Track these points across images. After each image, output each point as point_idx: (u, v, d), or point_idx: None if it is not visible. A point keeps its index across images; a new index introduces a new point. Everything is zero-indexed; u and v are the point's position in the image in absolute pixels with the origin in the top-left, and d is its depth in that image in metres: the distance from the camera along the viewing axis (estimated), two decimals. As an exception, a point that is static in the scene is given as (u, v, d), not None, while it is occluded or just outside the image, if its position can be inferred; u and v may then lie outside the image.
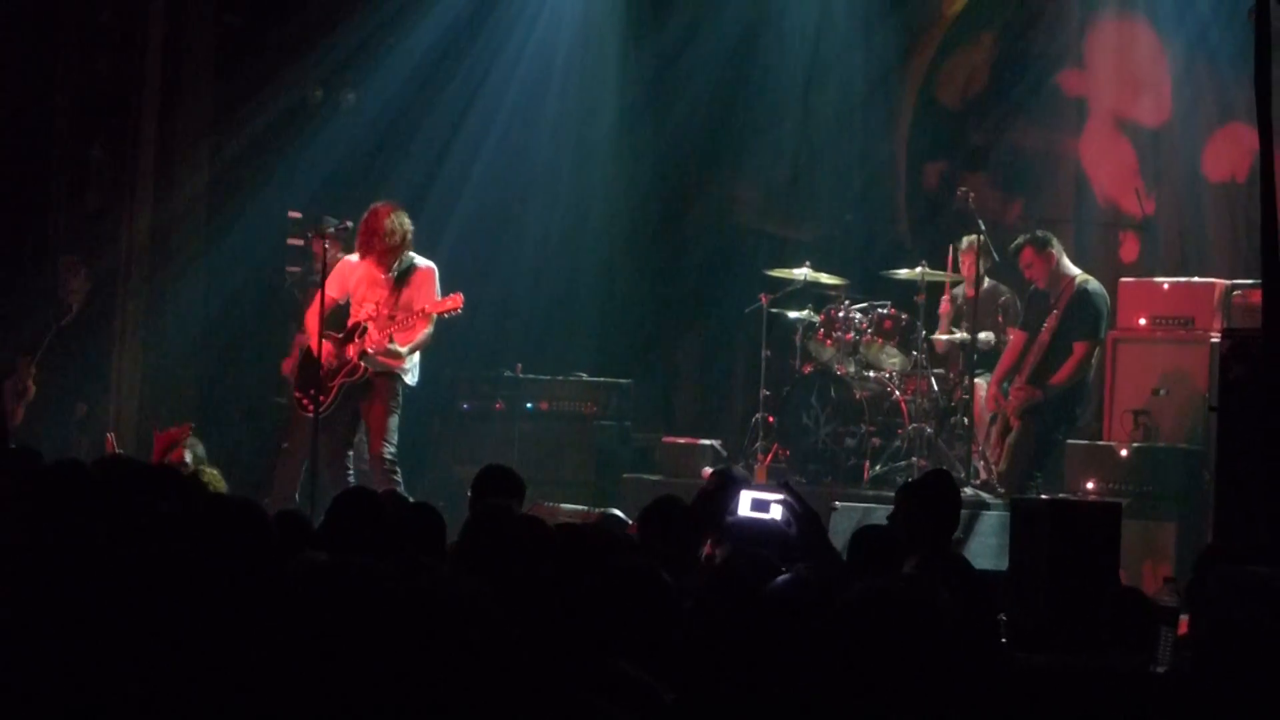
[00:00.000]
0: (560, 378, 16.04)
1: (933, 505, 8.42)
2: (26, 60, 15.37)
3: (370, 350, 12.87)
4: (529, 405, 15.88)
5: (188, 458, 13.02)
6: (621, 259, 17.26)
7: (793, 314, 14.98)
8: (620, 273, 17.26)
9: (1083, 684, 5.80)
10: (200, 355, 15.77)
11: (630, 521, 8.81)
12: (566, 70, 17.05)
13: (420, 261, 13.06)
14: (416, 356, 13.02)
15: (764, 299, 14.98)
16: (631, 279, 17.28)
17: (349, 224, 13.06)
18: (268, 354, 15.44)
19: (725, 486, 8.73)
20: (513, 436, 15.62)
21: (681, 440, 15.48)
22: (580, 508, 13.20)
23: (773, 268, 15.25)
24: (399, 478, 12.82)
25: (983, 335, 14.29)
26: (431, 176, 16.11)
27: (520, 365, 16.04)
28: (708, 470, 14.91)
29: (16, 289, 15.17)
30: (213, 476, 10.03)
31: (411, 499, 10.51)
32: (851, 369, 14.57)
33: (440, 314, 12.87)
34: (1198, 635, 6.41)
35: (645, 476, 15.06)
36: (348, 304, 13.11)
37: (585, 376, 16.08)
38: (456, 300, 12.83)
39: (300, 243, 15.25)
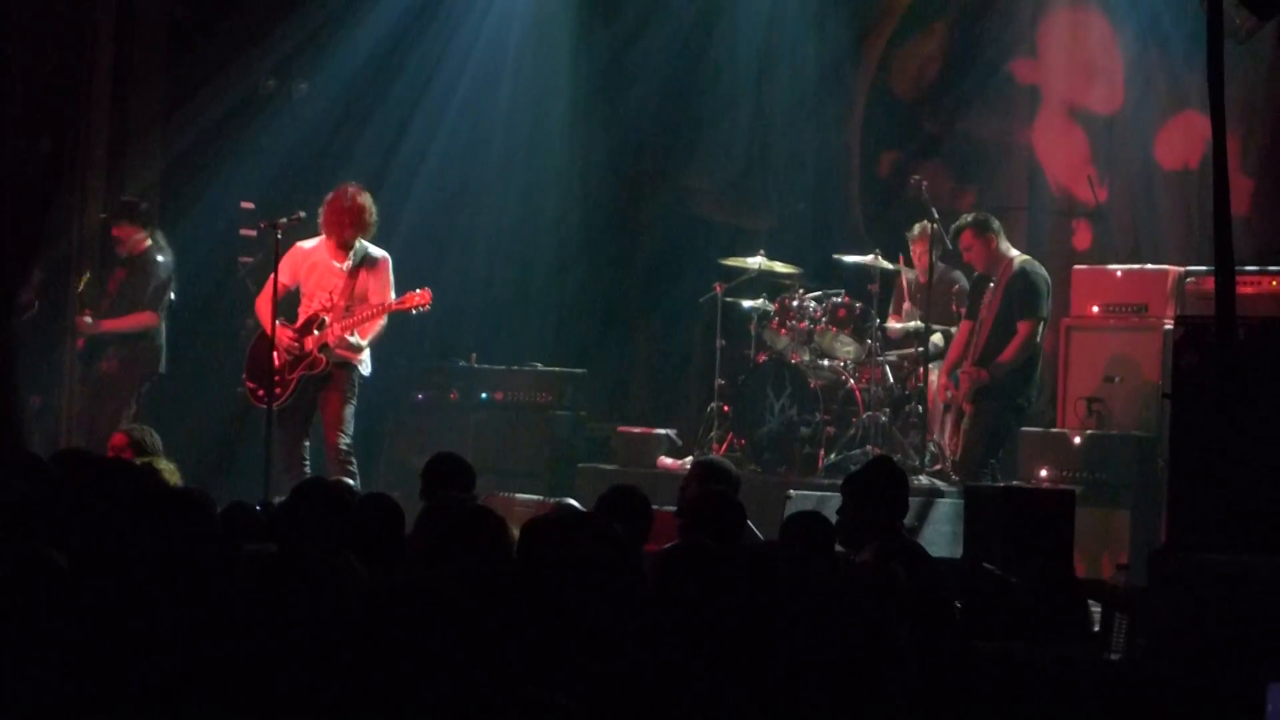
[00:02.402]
0: (515, 368, 16.03)
1: (879, 492, 8.45)
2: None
3: (331, 344, 12.83)
4: (484, 395, 15.86)
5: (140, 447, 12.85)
6: (576, 249, 17.24)
7: (747, 303, 14.98)
8: (574, 262, 17.23)
9: (1037, 671, 5.81)
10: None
11: (585, 511, 8.80)
12: (519, 60, 17.03)
13: (375, 251, 13.02)
14: (369, 350, 13.00)
15: (718, 288, 14.98)
16: (586, 269, 17.26)
17: (302, 215, 13.01)
18: (220, 345, 15.38)
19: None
20: (467, 427, 15.60)
21: (637, 430, 15.47)
22: (535, 498, 13.19)
23: (727, 257, 15.26)
24: (354, 468, 12.80)
25: (935, 337, 14.33)
26: (384, 166, 16.05)
27: (475, 355, 16.02)
28: (663, 457, 14.96)
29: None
30: (168, 469, 9.97)
31: (363, 490, 10.53)
32: (806, 358, 14.58)
33: (407, 310, 12.83)
34: (1151, 622, 6.44)
35: (601, 466, 15.05)
36: (297, 291, 13.06)
37: (540, 366, 16.07)
38: (424, 296, 12.78)
39: (253, 233, 15.18)
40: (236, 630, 4.62)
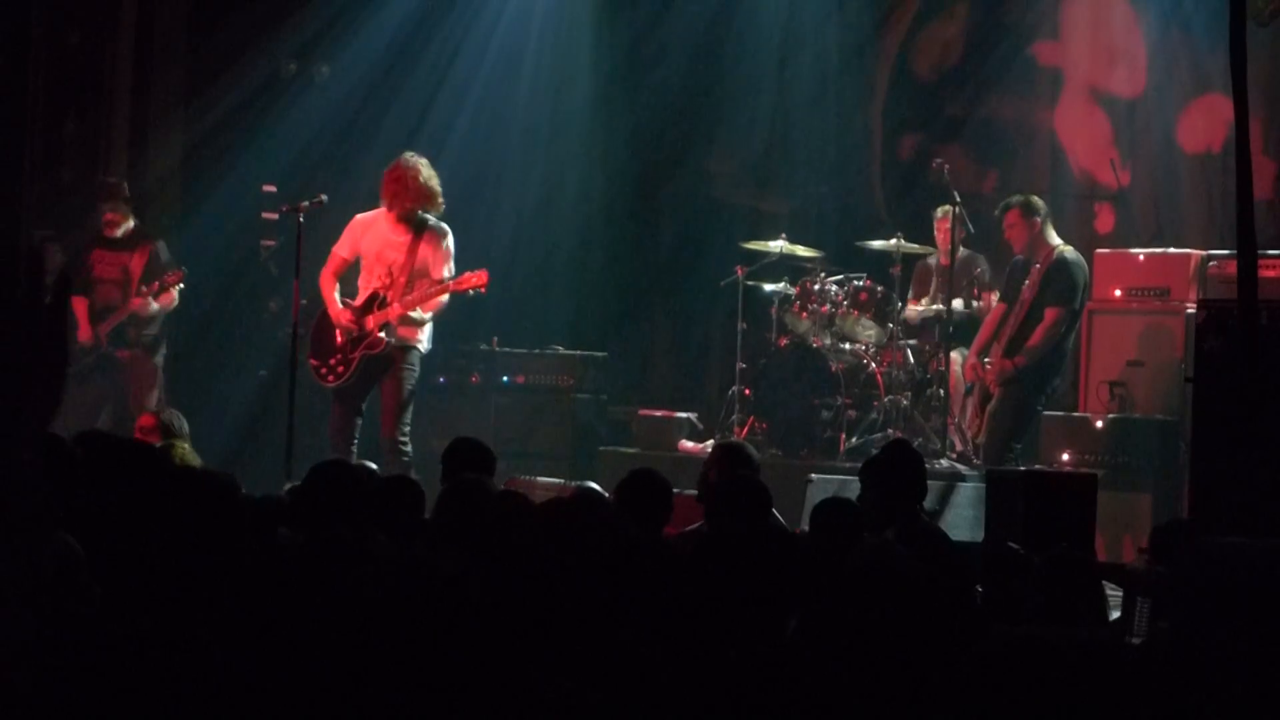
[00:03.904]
0: (536, 351, 16.02)
1: (895, 476, 8.46)
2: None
3: (392, 322, 12.72)
4: (505, 378, 15.86)
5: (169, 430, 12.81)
6: (597, 232, 17.23)
7: (768, 286, 14.98)
8: (596, 246, 17.23)
9: (1059, 655, 5.81)
10: (174, 330, 15.71)
11: (607, 494, 8.80)
12: (541, 42, 17.02)
13: (436, 224, 12.80)
14: (430, 324, 12.89)
15: (740, 271, 14.96)
16: (607, 252, 17.26)
17: (324, 198, 12.99)
18: (242, 328, 15.40)
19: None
20: (489, 410, 15.60)
21: (658, 413, 15.48)
22: (557, 481, 13.18)
23: (748, 240, 15.24)
24: (409, 459, 12.55)
25: (955, 302, 14.30)
26: (406, 149, 16.03)
27: (496, 338, 16.02)
28: (684, 441, 14.96)
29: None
30: (184, 451, 9.95)
31: (418, 477, 10.51)
32: (827, 341, 14.57)
33: (464, 291, 12.72)
34: (1174, 606, 6.42)
35: (622, 449, 15.05)
36: (357, 264, 12.93)
37: (561, 349, 16.06)
38: (481, 276, 12.54)
39: (275, 217, 15.19)
40: (262, 617, 4.63)
